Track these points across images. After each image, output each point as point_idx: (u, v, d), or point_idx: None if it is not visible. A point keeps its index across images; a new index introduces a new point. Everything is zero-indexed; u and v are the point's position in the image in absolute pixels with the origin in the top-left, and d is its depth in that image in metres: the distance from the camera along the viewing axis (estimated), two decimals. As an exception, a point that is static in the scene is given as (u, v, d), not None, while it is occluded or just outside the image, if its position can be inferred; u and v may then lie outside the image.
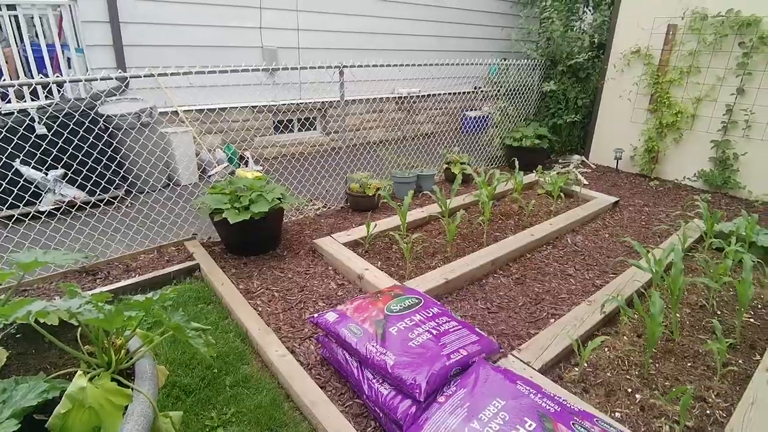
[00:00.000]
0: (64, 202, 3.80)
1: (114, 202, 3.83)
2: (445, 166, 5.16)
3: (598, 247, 3.66)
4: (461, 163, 4.90)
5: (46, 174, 3.79)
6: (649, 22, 5.21)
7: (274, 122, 5.98)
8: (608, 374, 2.23)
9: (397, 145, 6.53)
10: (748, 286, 2.44)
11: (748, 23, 4.49)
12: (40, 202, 3.78)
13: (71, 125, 3.55)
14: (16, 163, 3.65)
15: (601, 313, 2.58)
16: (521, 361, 2.21)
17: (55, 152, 3.53)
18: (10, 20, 4.26)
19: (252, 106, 5.50)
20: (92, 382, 1.19)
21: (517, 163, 4.53)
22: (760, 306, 2.86)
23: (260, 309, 2.69)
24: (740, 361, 2.35)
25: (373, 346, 1.96)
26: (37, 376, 1.23)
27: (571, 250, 3.60)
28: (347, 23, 6.13)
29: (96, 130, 3.89)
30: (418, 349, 1.92)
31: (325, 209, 4.25)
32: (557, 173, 4.94)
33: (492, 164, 5.81)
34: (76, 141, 3.61)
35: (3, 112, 3.75)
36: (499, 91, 5.91)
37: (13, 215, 3.39)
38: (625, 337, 2.51)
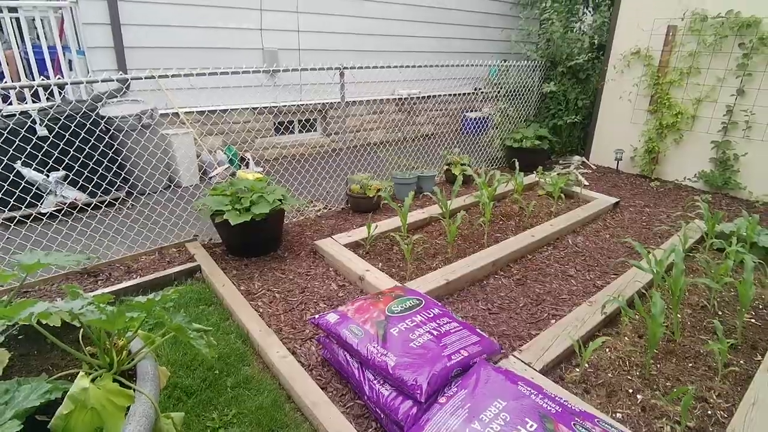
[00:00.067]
0: (66, 203, 3.81)
1: (115, 204, 3.84)
2: (445, 167, 5.17)
3: (599, 247, 3.66)
4: (462, 164, 4.90)
5: (48, 176, 3.80)
6: (648, 23, 5.21)
7: (274, 124, 5.99)
8: (609, 375, 2.23)
9: (397, 147, 6.53)
10: (749, 287, 2.44)
11: (748, 24, 4.50)
12: (41, 204, 3.78)
13: (72, 127, 3.56)
14: (18, 165, 3.66)
15: (602, 314, 2.58)
16: (522, 361, 2.21)
17: (56, 154, 3.54)
18: (12, 22, 4.27)
19: (253, 108, 5.51)
20: (94, 383, 1.20)
21: (517, 164, 4.54)
22: (761, 306, 2.86)
23: (261, 310, 2.69)
24: (741, 362, 2.35)
25: (374, 347, 1.96)
26: (39, 377, 1.24)
27: (572, 250, 3.60)
28: (347, 25, 6.14)
29: (97, 132, 3.90)
30: (419, 350, 1.92)
31: (325, 210, 4.25)
32: (558, 174, 4.94)
33: (492, 165, 5.81)
34: (77, 143, 3.62)
35: (4, 114, 3.75)
36: (499, 92, 5.91)
37: (15, 217, 3.40)
38: (626, 338, 2.51)
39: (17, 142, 3.35)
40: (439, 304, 2.36)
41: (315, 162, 5.61)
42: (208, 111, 5.18)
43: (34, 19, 4.45)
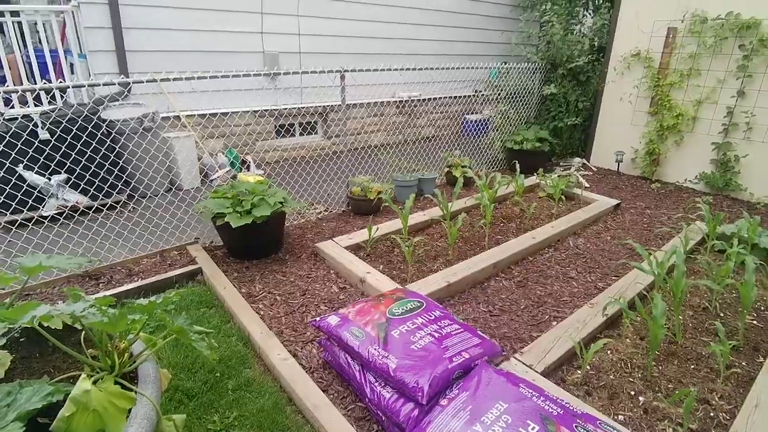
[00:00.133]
0: (67, 206, 3.82)
1: (117, 207, 3.85)
2: (446, 169, 5.17)
3: (600, 249, 3.66)
4: (462, 167, 4.91)
5: (50, 179, 3.81)
6: (649, 25, 5.22)
7: (275, 126, 6.00)
8: (611, 377, 2.22)
9: (398, 149, 6.54)
10: (750, 288, 2.44)
11: (748, 26, 4.50)
12: (43, 207, 3.79)
13: (74, 130, 3.57)
14: (20, 169, 3.67)
15: (604, 316, 2.58)
16: (524, 363, 2.20)
17: (58, 157, 3.55)
18: (14, 26, 4.29)
19: (254, 111, 5.52)
20: (96, 385, 1.20)
21: (518, 166, 4.54)
22: (763, 308, 2.86)
23: (262, 313, 2.69)
24: (743, 364, 2.35)
25: (375, 349, 1.96)
26: (41, 380, 1.24)
27: (573, 252, 3.60)
28: (348, 28, 6.16)
29: (99, 135, 3.92)
30: (421, 352, 1.92)
31: (326, 213, 4.25)
32: (558, 176, 4.94)
33: (493, 167, 5.82)
34: (79, 146, 3.63)
35: (7, 118, 3.77)
36: (499, 94, 5.92)
37: (17, 220, 3.41)
38: (627, 340, 2.51)
39: (19, 145, 3.37)
40: (441, 306, 2.36)
41: (316, 165, 5.61)
42: (210, 114, 5.19)
43: (36, 23, 4.47)
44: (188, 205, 4.06)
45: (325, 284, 3.04)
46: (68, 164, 3.71)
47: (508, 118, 5.91)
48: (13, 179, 3.42)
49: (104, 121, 4.12)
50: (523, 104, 6.04)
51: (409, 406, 1.78)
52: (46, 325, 1.46)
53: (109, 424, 1.14)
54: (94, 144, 3.79)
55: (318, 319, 2.28)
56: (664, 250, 3.42)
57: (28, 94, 4.25)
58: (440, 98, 7.45)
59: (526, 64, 5.91)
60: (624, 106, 5.64)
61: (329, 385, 2.16)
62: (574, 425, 1.59)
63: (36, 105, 4.44)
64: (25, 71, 4.51)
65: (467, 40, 7.63)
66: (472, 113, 7.81)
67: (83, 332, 1.50)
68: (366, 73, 4.15)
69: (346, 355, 2.09)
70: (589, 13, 6.82)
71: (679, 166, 5.31)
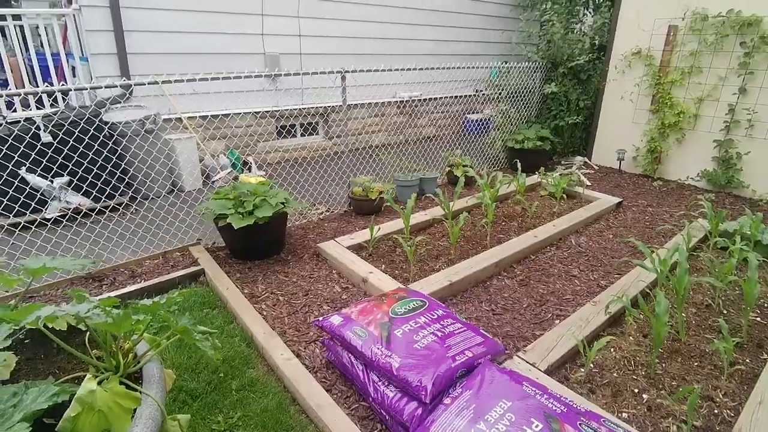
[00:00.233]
0: (70, 209, 3.83)
1: (119, 209, 3.86)
2: (447, 168, 5.17)
3: (602, 247, 3.65)
4: (463, 166, 4.91)
5: (52, 181, 3.82)
6: (649, 23, 5.22)
7: (276, 127, 6.01)
8: (614, 374, 2.22)
9: (399, 149, 6.54)
10: (753, 285, 2.44)
11: (749, 23, 4.50)
12: (45, 210, 3.80)
13: (76, 133, 3.59)
14: (22, 171, 3.69)
15: (606, 314, 2.58)
16: (527, 362, 2.20)
17: (60, 160, 3.56)
18: (16, 30, 4.31)
19: (255, 112, 5.53)
20: (101, 385, 1.20)
21: (519, 165, 4.54)
22: (766, 305, 2.85)
23: (265, 313, 2.70)
24: (747, 360, 2.34)
25: (378, 348, 1.96)
26: (46, 381, 1.24)
27: (575, 251, 3.59)
28: (348, 28, 6.17)
29: (101, 138, 3.93)
30: (424, 351, 1.92)
31: (328, 213, 4.26)
32: (560, 175, 4.94)
33: (494, 166, 5.81)
34: (81, 148, 3.64)
35: (9, 121, 3.79)
36: (500, 93, 5.92)
37: (20, 223, 3.42)
38: (630, 338, 2.50)
39: (22, 148, 3.38)
40: (443, 305, 2.36)
41: (317, 165, 5.62)
42: (211, 116, 5.21)
43: (37, 27, 4.49)
44: (190, 206, 4.07)
45: (328, 284, 3.05)
46: (70, 167, 3.72)
47: (509, 117, 5.90)
48: (15, 182, 3.44)
49: (106, 123, 4.13)
50: (524, 103, 6.04)
51: (412, 405, 1.78)
52: (50, 326, 1.46)
53: (115, 424, 1.15)
54: (96, 146, 3.81)
55: (321, 318, 2.28)
56: (667, 248, 3.42)
57: (30, 97, 4.27)
58: (441, 98, 7.45)
59: (526, 63, 5.91)
60: (625, 104, 5.63)
61: (333, 384, 2.16)
62: (578, 423, 1.59)
63: (38, 108, 4.46)
64: (27, 74, 4.53)
65: (468, 39, 7.63)
66: (473, 113, 7.81)
67: (87, 333, 1.51)
68: (367, 74, 4.16)
69: (350, 355, 2.10)
70: (590, 12, 6.81)
71: (681, 163, 5.31)
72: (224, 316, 2.69)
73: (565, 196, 4.42)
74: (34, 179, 3.73)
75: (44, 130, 3.75)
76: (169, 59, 4.89)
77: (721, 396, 2.10)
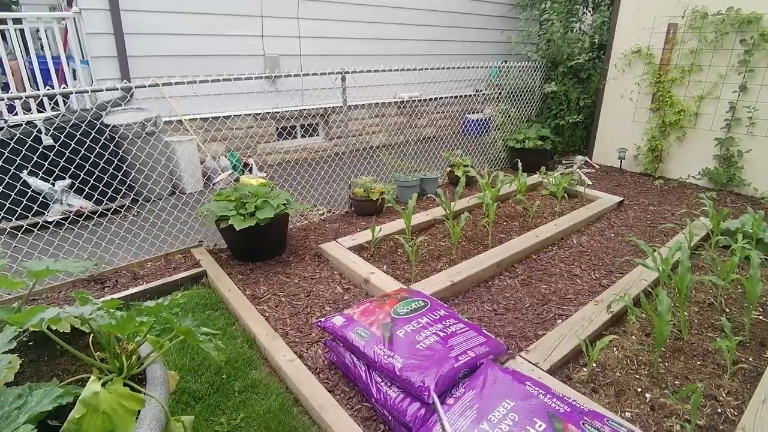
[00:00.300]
0: (72, 212, 3.84)
1: (120, 211, 3.87)
2: (448, 169, 5.17)
3: (604, 247, 3.65)
4: (464, 166, 4.91)
5: (54, 185, 3.83)
6: (649, 21, 5.22)
7: (277, 129, 6.02)
8: (617, 374, 2.22)
9: (399, 149, 6.55)
10: (756, 283, 2.43)
11: (749, 21, 4.49)
12: (47, 213, 3.81)
13: (78, 136, 3.60)
14: (24, 174, 3.70)
15: (609, 313, 2.58)
16: (529, 362, 2.20)
17: (62, 163, 3.57)
18: (16, 33, 4.33)
19: (255, 114, 5.54)
20: (105, 387, 1.20)
21: (520, 164, 4.54)
22: (768, 303, 2.85)
23: (267, 314, 2.70)
24: (750, 359, 2.34)
25: (380, 349, 1.96)
26: (51, 382, 1.25)
27: (577, 250, 3.59)
28: (348, 29, 6.17)
29: (102, 141, 3.94)
30: (426, 351, 1.92)
31: (329, 214, 4.26)
32: (561, 174, 4.94)
33: (495, 166, 5.81)
34: (82, 151, 3.65)
35: (11, 124, 3.80)
36: (500, 93, 5.92)
37: (22, 226, 3.43)
38: (633, 337, 2.50)
39: (23, 151, 3.39)
40: (445, 305, 2.37)
41: (318, 166, 5.63)
42: (211, 117, 5.21)
43: (38, 30, 4.50)
44: (191, 208, 4.08)
45: (329, 285, 3.05)
46: (72, 169, 3.73)
47: (509, 116, 5.90)
48: (17, 185, 3.45)
49: (107, 126, 4.14)
50: (524, 103, 6.04)
51: (415, 405, 1.79)
52: (54, 328, 1.47)
53: (119, 426, 1.15)
54: (97, 149, 3.81)
55: (323, 319, 2.29)
56: (668, 247, 3.41)
57: (31, 100, 4.28)
58: (441, 98, 7.45)
59: (526, 62, 5.91)
60: (625, 103, 5.63)
61: (335, 385, 2.16)
62: (581, 422, 1.59)
63: (39, 111, 4.47)
64: (28, 78, 4.54)
65: (467, 39, 7.64)
66: (473, 112, 7.81)
67: (91, 335, 1.51)
68: (367, 74, 4.16)
69: (352, 356, 2.10)
70: (589, 11, 6.81)
71: (682, 162, 5.30)
72: (226, 317, 2.69)
73: (566, 195, 4.42)
74: (35, 182, 3.74)
75: (46, 133, 3.76)
76: (170, 62, 4.90)
77: (724, 395, 2.10)
